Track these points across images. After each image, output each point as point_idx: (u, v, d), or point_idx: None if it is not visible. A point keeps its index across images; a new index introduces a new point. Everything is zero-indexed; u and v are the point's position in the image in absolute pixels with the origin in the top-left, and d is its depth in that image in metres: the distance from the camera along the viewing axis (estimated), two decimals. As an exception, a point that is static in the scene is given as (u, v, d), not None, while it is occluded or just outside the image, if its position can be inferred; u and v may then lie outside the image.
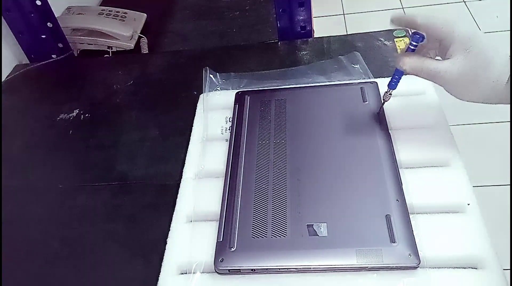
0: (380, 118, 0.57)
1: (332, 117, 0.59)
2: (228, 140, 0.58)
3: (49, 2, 0.80)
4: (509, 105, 0.45)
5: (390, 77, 0.52)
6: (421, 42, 0.48)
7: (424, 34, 0.48)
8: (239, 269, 0.45)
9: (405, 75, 0.50)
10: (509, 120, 1.41)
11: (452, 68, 0.46)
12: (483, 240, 0.45)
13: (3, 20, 0.80)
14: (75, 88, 0.77)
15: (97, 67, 0.83)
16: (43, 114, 0.72)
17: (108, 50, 0.88)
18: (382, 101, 0.55)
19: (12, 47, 0.85)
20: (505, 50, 0.45)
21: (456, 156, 0.52)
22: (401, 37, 0.74)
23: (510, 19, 1.75)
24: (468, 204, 0.48)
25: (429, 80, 0.48)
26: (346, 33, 0.80)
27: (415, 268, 0.43)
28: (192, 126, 0.63)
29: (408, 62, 0.48)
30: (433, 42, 0.49)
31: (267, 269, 0.45)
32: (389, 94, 0.54)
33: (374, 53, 0.71)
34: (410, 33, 0.50)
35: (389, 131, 0.55)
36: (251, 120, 0.60)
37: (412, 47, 0.49)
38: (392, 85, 0.53)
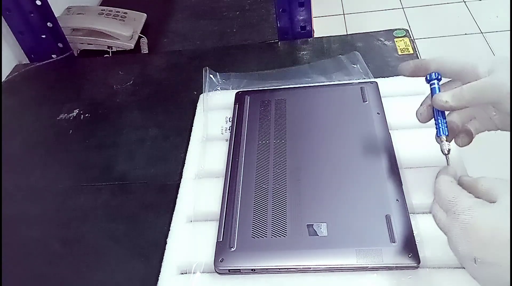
0: (380, 118, 0.57)
1: (332, 117, 0.59)
2: (228, 140, 0.58)
3: (49, 2, 0.80)
4: None
5: (435, 123, 0.43)
6: (439, 78, 0.42)
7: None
8: (239, 269, 0.45)
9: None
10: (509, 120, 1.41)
11: (497, 78, 0.38)
12: (483, 240, 0.45)
13: (3, 20, 0.80)
14: (75, 88, 0.77)
15: (97, 67, 0.83)
16: (43, 114, 0.72)
17: (108, 50, 0.88)
18: (443, 153, 0.43)
19: (12, 47, 0.85)
20: None
21: (456, 156, 0.52)
22: (401, 37, 0.74)
23: (510, 19, 1.75)
24: (468, 204, 0.48)
25: (482, 103, 0.40)
26: (346, 33, 0.80)
27: (415, 268, 0.43)
28: (192, 126, 0.63)
29: (447, 96, 0.40)
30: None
31: (267, 269, 0.45)
32: (446, 141, 0.42)
33: (374, 53, 0.71)
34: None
35: (389, 131, 0.55)
36: (251, 120, 0.60)
37: (437, 86, 0.43)
38: (442, 131, 0.43)
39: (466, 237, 0.35)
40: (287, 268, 0.44)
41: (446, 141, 0.42)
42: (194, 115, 0.64)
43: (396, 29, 0.75)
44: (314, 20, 0.82)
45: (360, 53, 0.70)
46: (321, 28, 1.03)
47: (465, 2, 1.97)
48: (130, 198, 0.57)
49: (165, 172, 0.59)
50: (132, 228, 0.53)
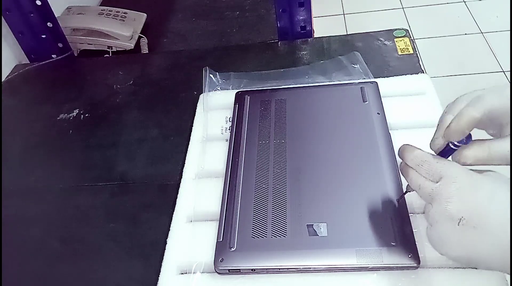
0: (380, 118, 0.57)
1: (332, 117, 0.59)
2: (228, 140, 0.58)
3: (49, 2, 0.80)
4: None
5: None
6: (464, 144, 0.39)
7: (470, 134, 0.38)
8: (239, 269, 0.45)
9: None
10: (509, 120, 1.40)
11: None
12: (483, 240, 0.45)
13: (3, 20, 0.80)
14: (75, 88, 0.77)
15: (97, 67, 0.83)
16: (43, 114, 0.72)
17: (108, 50, 0.88)
18: (404, 191, 0.44)
19: (12, 47, 0.85)
20: None
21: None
22: (401, 37, 0.74)
23: (510, 19, 1.75)
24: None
25: (502, 165, 0.38)
26: (346, 33, 0.80)
27: (415, 268, 0.43)
28: (192, 126, 0.63)
29: (471, 155, 0.38)
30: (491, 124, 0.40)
31: (267, 269, 0.45)
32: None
33: (374, 53, 0.71)
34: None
35: (389, 131, 0.55)
36: (251, 120, 0.60)
37: (454, 148, 0.39)
38: None
39: (461, 197, 0.35)
40: (287, 268, 0.44)
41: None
42: (194, 115, 0.64)
43: (396, 29, 0.75)
44: (314, 20, 0.82)
45: (360, 53, 0.70)
46: (321, 28, 1.03)
47: (465, 2, 1.97)
48: (130, 198, 0.57)
49: (165, 172, 0.59)
50: (132, 228, 0.53)
